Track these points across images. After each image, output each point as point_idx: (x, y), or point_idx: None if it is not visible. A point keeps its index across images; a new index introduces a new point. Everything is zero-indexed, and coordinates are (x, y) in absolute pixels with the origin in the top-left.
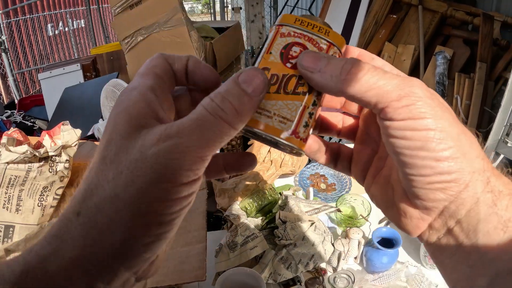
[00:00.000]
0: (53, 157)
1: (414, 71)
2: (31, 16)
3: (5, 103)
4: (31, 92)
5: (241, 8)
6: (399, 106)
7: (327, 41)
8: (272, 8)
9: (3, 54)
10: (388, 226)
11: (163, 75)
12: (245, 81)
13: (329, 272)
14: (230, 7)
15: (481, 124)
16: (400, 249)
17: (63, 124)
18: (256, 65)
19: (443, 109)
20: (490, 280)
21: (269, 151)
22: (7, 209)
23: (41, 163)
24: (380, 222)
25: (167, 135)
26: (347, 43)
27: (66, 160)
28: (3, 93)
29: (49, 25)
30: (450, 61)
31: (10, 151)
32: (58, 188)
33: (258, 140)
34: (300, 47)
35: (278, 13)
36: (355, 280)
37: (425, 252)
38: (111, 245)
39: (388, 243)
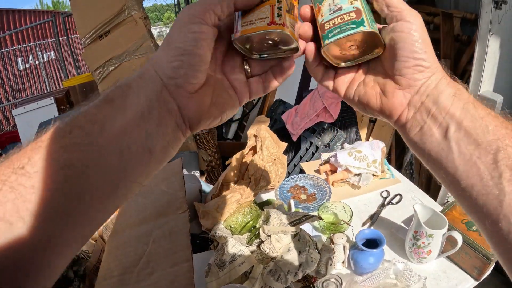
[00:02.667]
0: None
1: None
2: (0, 51)
3: None
4: (5, 129)
5: None
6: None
7: None
8: None
9: None
10: (371, 227)
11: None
12: None
13: (319, 279)
14: None
15: None
16: (386, 248)
17: None
18: None
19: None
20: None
21: (246, 169)
22: None
23: None
24: (363, 225)
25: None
26: None
27: None
28: None
29: (19, 59)
30: None
31: None
32: None
33: (254, 57)
34: None
35: None
36: (342, 283)
37: (410, 248)
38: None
39: (372, 244)
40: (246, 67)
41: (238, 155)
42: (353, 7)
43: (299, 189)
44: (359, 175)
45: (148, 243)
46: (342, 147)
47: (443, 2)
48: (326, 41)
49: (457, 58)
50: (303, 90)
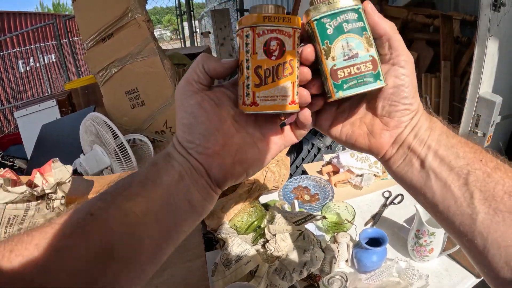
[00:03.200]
0: (50, 194)
1: None
2: (1, 53)
3: None
4: (6, 131)
5: (210, 32)
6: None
7: (291, 27)
8: None
9: None
10: (374, 226)
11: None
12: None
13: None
14: (199, 32)
15: (453, 119)
16: (388, 247)
17: (53, 162)
18: (248, 67)
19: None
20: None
21: None
22: None
23: (39, 201)
24: (366, 224)
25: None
26: None
27: (62, 196)
28: None
29: (20, 62)
30: (415, 63)
31: (8, 191)
32: None
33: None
34: (276, 40)
35: None
36: (348, 280)
37: (413, 247)
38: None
39: (375, 242)
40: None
41: None
42: (369, 56)
43: (302, 189)
44: (361, 175)
45: None
46: (344, 148)
47: (443, 4)
48: (341, 93)
49: (457, 60)
50: None
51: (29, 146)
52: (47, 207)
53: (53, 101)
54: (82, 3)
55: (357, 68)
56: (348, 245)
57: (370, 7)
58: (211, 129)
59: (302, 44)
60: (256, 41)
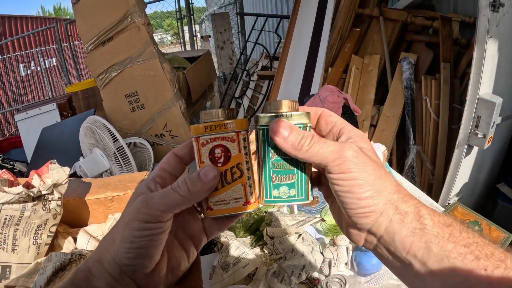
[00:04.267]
0: (46, 195)
1: (381, 80)
2: (2, 57)
3: None
4: (7, 135)
5: (210, 36)
6: (333, 165)
7: (234, 132)
8: (240, 34)
9: None
10: None
11: (166, 167)
12: (204, 173)
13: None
14: (199, 36)
15: (453, 121)
16: None
17: (51, 163)
18: None
19: (365, 164)
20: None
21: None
22: (3, 249)
23: (35, 202)
24: None
25: (146, 197)
26: (315, 60)
27: (58, 197)
28: None
29: (21, 66)
30: (415, 65)
31: (5, 191)
32: (52, 226)
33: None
34: (219, 148)
35: (247, 38)
36: (346, 282)
37: None
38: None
39: None
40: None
41: None
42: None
43: None
44: None
45: None
46: None
47: (442, 6)
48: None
49: (456, 62)
50: (304, 95)
51: (29, 149)
52: (44, 208)
53: (53, 105)
54: (82, 7)
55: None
56: (347, 248)
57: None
58: (158, 252)
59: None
60: (201, 151)
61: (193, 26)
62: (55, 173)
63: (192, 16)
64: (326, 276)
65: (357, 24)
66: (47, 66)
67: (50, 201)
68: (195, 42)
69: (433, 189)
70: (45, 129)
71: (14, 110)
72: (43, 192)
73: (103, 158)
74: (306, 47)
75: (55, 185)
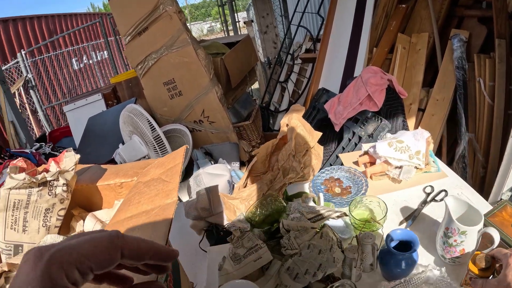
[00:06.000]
0: (51, 181)
1: (431, 60)
2: (55, 52)
3: (37, 136)
4: (62, 124)
5: (252, 21)
6: None
7: None
8: (283, 17)
9: (31, 91)
10: (406, 228)
11: None
12: None
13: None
14: (242, 22)
15: (509, 105)
16: (423, 251)
17: (67, 151)
18: None
19: None
20: None
21: (277, 160)
22: (15, 230)
23: (40, 188)
24: (401, 223)
25: None
26: (359, 40)
27: (63, 183)
28: (34, 127)
29: (73, 60)
30: (467, 43)
31: (12, 178)
32: (60, 210)
33: None
34: None
35: (290, 21)
36: None
37: (441, 246)
38: None
39: (405, 246)
40: None
41: (267, 144)
42: None
43: (334, 181)
44: (400, 167)
45: (135, 229)
46: (385, 137)
47: None
48: None
49: None
50: (347, 77)
51: (78, 137)
52: (49, 193)
53: (99, 95)
54: (117, 1)
55: None
56: (373, 247)
57: None
58: None
59: None
60: None
61: (235, 12)
62: (67, 160)
63: (233, 2)
64: (348, 277)
65: (403, 0)
66: (98, 59)
67: (56, 186)
68: (238, 28)
69: (486, 182)
70: (91, 118)
71: (66, 102)
72: (48, 179)
73: (141, 145)
74: (349, 27)
75: (61, 172)
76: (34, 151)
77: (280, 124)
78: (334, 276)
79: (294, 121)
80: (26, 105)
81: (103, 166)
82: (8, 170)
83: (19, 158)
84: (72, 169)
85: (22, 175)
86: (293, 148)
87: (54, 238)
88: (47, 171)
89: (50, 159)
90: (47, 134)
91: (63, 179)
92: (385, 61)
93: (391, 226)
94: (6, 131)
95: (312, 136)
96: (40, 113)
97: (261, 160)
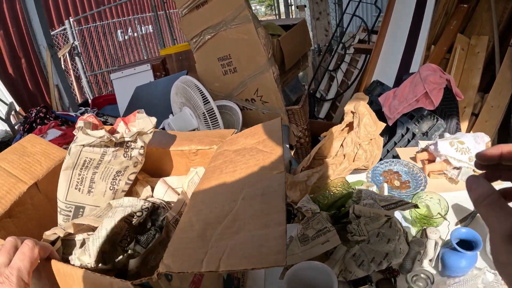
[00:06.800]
0: (129, 142)
1: (488, 64)
2: (101, 23)
3: (79, 102)
4: (104, 93)
5: (305, 6)
6: None
7: None
8: (336, 5)
9: (76, 57)
10: (468, 226)
11: None
12: None
13: (402, 274)
14: (294, 6)
15: None
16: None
17: (138, 112)
18: None
19: None
20: None
21: (341, 145)
22: (79, 190)
23: (116, 148)
24: (456, 224)
25: None
26: (417, 36)
27: (141, 146)
28: (77, 94)
29: (118, 31)
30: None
31: (87, 134)
32: (131, 174)
33: None
34: None
35: (344, 10)
36: (434, 281)
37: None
38: None
39: (467, 245)
40: None
41: (334, 129)
42: None
43: (393, 174)
44: (459, 168)
45: (237, 200)
46: (442, 136)
47: None
48: None
49: None
50: (403, 72)
51: (122, 106)
52: (125, 155)
53: (147, 65)
54: None
55: None
56: (436, 243)
57: None
58: None
59: None
60: None
61: None
62: (141, 122)
63: None
64: (408, 270)
65: (464, 0)
66: (143, 32)
67: (132, 148)
68: (290, 12)
69: None
70: (138, 87)
71: (111, 70)
72: (126, 139)
73: (192, 117)
74: (408, 22)
75: (140, 134)
76: (79, 114)
77: (344, 110)
78: (393, 268)
79: (361, 108)
80: (71, 71)
81: (170, 132)
82: (81, 125)
83: (89, 114)
84: (151, 132)
85: (102, 132)
86: (360, 136)
87: (132, 202)
88: (114, 131)
89: (119, 119)
90: (89, 100)
91: (141, 141)
92: (442, 60)
93: (446, 225)
94: (50, 94)
95: (377, 126)
96: (84, 80)
97: (328, 144)
